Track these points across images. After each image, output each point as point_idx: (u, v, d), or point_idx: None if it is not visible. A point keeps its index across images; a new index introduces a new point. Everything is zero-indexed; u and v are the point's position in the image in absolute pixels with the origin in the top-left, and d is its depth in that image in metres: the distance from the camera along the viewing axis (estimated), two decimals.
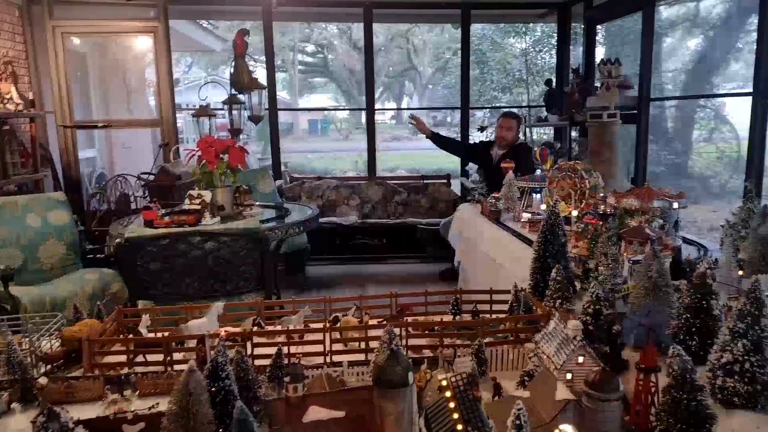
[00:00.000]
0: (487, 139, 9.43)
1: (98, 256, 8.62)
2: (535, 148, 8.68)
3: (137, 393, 3.00)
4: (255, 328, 3.59)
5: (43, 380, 2.97)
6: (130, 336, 3.52)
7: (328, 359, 3.46)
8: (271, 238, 6.37)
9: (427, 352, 3.39)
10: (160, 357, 3.26)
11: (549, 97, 11.14)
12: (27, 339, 3.31)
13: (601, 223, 4.77)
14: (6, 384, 3.00)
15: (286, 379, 2.52)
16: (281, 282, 9.91)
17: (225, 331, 3.32)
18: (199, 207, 6.96)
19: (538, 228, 6.12)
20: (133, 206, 9.48)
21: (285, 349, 3.21)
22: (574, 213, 5.91)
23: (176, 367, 3.25)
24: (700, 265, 2.71)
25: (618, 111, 7.61)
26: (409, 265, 11.52)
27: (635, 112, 9.24)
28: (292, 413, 2.45)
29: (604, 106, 7.66)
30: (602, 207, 5.47)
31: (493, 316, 3.89)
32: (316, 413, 2.39)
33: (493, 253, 6.38)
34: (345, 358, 3.42)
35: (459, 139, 11.68)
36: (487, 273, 6.65)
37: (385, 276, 10.81)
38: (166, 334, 3.46)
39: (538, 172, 6.74)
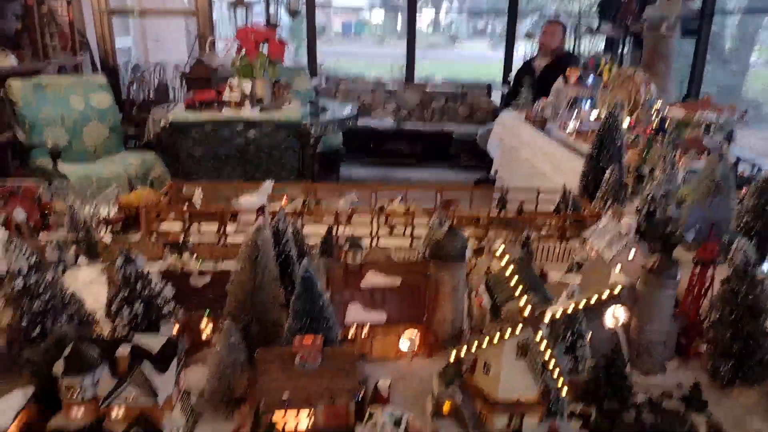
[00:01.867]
0: (528, 58, 9.11)
1: (138, 143, 8.73)
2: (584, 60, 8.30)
3: (194, 257, 3.14)
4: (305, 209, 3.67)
5: (107, 238, 3.13)
6: (186, 207, 3.63)
7: (374, 243, 3.55)
8: (313, 131, 6.35)
9: (472, 242, 3.43)
10: (213, 228, 3.39)
11: (604, 5, 10.49)
12: (87, 204, 3.45)
13: (655, 132, 4.64)
14: (71, 242, 3.16)
15: (345, 246, 2.60)
16: (316, 180, 9.99)
17: (286, 198, 3.41)
18: (238, 98, 6.92)
19: (585, 137, 5.99)
20: (170, 96, 9.47)
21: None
22: (625, 123, 5.74)
23: (229, 239, 3.37)
24: (759, 174, 2.65)
25: (678, 22, 7.16)
26: (442, 173, 11.47)
27: (695, 26, 8.69)
28: (350, 278, 2.54)
29: (663, 16, 7.20)
30: (655, 118, 5.29)
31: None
32: (373, 279, 2.49)
33: (536, 161, 6.30)
34: (390, 242, 3.51)
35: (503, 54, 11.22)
36: (526, 181, 6.60)
37: (418, 182, 10.82)
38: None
39: (590, 80, 6.48)
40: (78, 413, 3.05)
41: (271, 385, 2.21)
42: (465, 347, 1.77)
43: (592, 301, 1.79)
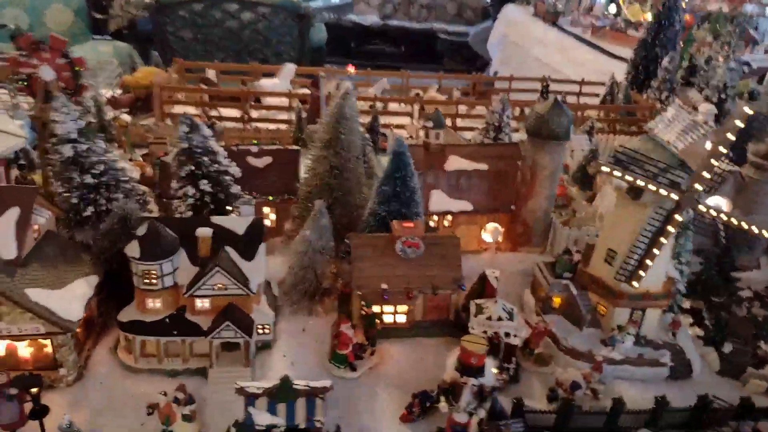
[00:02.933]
0: None
1: (106, 37, 7.91)
2: None
3: (221, 143, 2.79)
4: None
5: (126, 117, 2.73)
6: (204, 87, 3.21)
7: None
8: (314, 18, 5.76)
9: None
10: (230, 112, 3.01)
11: None
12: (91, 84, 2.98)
13: (694, 21, 4.35)
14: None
15: (429, 124, 2.33)
16: None
17: (353, 66, 3.05)
18: None
19: (602, 33, 5.63)
20: None
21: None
22: (649, 17, 5.41)
23: (256, 124, 3.00)
24: None
25: None
26: (426, 77, 10.96)
27: None
28: (432, 160, 2.30)
29: None
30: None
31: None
32: (457, 163, 2.24)
33: (549, 58, 5.98)
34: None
35: None
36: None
37: (402, 85, 10.34)
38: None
39: None
40: (155, 303, 2.73)
41: (369, 275, 1.98)
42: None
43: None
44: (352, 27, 11.35)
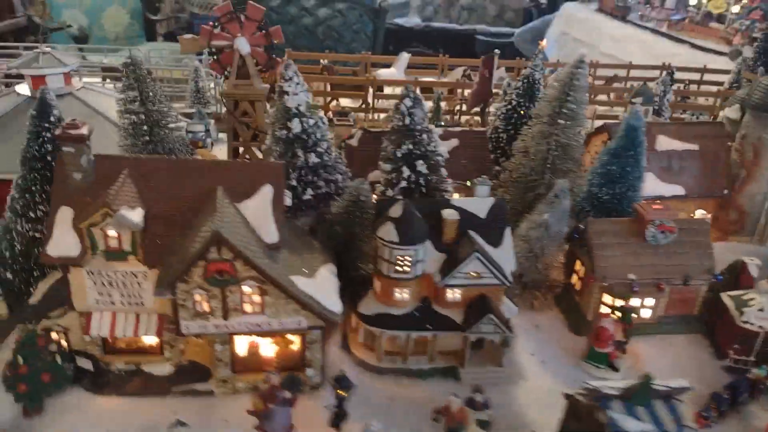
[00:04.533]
0: None
1: (160, 37, 7.76)
2: None
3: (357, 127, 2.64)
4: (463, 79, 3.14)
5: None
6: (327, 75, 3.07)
7: None
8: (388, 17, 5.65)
9: None
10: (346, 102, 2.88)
11: None
12: None
13: None
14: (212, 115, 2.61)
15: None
16: None
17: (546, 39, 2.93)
18: None
19: (680, 27, 5.42)
20: None
21: None
22: (735, 9, 5.21)
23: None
24: None
25: None
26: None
27: None
28: None
29: None
30: None
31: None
32: (667, 144, 2.08)
33: (623, 53, 5.79)
34: None
35: None
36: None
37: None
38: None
39: None
40: (403, 294, 2.27)
41: (614, 263, 1.79)
42: None
43: None
44: (396, 29, 11.27)
